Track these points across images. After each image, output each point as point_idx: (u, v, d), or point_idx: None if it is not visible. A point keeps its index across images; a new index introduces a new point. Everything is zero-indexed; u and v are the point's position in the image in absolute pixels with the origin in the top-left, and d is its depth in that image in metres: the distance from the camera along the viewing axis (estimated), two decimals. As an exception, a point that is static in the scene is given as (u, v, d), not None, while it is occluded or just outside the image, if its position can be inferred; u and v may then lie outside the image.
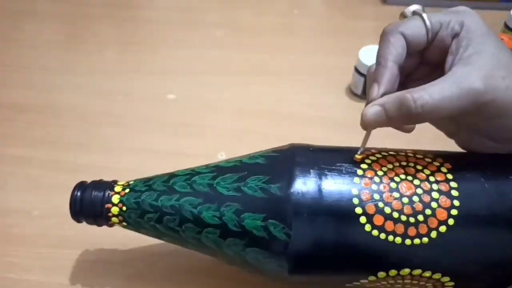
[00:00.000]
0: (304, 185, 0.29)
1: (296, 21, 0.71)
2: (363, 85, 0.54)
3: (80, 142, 0.50)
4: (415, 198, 0.29)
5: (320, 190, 0.29)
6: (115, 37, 0.67)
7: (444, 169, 0.30)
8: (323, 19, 0.71)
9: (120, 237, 0.41)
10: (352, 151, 0.32)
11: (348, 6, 0.73)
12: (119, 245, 0.41)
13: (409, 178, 0.30)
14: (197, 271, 0.39)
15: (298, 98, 0.56)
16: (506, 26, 0.62)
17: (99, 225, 0.34)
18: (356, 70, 0.54)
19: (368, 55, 0.53)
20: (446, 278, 0.30)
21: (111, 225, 0.34)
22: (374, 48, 0.54)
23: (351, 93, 0.57)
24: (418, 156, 0.32)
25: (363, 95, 0.55)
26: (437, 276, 0.30)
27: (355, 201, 0.29)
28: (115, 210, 0.33)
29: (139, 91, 0.57)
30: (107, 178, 0.47)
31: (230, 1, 0.74)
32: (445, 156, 0.32)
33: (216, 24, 0.69)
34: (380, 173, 0.30)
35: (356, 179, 0.30)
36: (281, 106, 0.55)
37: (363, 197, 0.29)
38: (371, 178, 0.30)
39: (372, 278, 0.31)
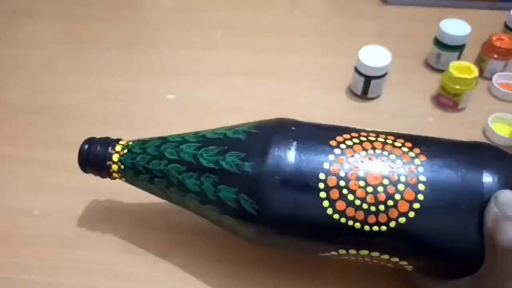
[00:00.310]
0: (275, 166, 0.31)
1: (296, 21, 0.71)
2: (363, 85, 0.54)
3: (80, 142, 0.50)
4: (380, 189, 0.30)
5: (289, 172, 0.31)
6: (115, 37, 0.67)
7: (417, 161, 0.31)
8: (323, 19, 0.71)
9: (119, 238, 0.42)
10: (336, 129, 0.34)
11: (348, 6, 0.73)
12: (119, 246, 0.41)
13: (379, 167, 0.31)
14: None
15: (298, 98, 0.56)
16: (506, 26, 0.62)
17: (103, 177, 0.37)
18: (356, 70, 0.54)
19: (368, 55, 0.53)
20: (404, 262, 0.32)
21: (113, 179, 0.37)
22: (374, 48, 0.54)
23: (351, 93, 0.57)
24: (396, 144, 0.32)
25: (363, 95, 0.55)
26: (395, 259, 0.32)
27: (321, 185, 0.30)
28: (115, 167, 0.36)
29: (139, 91, 0.57)
30: (108, 179, 0.47)
31: (230, 1, 0.74)
32: (425, 145, 0.32)
33: (216, 24, 0.69)
34: (351, 160, 0.31)
35: (326, 164, 0.31)
36: (281, 106, 0.55)
37: (329, 183, 0.30)
38: (341, 164, 0.31)
39: (334, 253, 0.33)
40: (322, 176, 0.31)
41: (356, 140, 0.32)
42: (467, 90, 0.52)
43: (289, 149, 0.32)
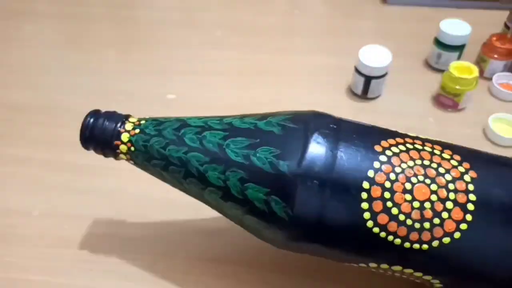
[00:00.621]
0: (314, 169, 0.28)
1: (296, 21, 0.71)
2: (363, 85, 0.54)
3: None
4: (427, 205, 0.28)
5: (329, 177, 0.28)
6: (115, 37, 0.67)
7: (467, 178, 0.29)
8: (323, 19, 0.71)
9: (119, 238, 0.42)
10: (380, 132, 0.31)
11: (348, 6, 0.73)
12: (119, 245, 0.41)
13: (427, 181, 0.28)
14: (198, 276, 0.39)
15: (298, 98, 0.56)
16: (506, 26, 0.62)
17: (106, 156, 0.33)
18: (356, 70, 0.54)
19: (368, 55, 0.53)
20: (436, 281, 0.30)
21: (118, 159, 0.33)
22: (374, 48, 0.54)
23: (351, 93, 0.57)
24: (444, 155, 0.30)
25: (363, 95, 0.55)
26: (427, 277, 0.30)
27: (364, 195, 0.28)
28: (123, 148, 0.32)
29: (139, 91, 0.57)
30: (108, 179, 0.47)
31: (230, 1, 0.74)
32: (474, 160, 0.30)
33: (216, 24, 0.69)
34: (398, 169, 0.28)
35: (371, 172, 0.28)
36: (281, 106, 0.55)
37: (373, 194, 0.28)
38: (387, 174, 0.28)
39: (363, 265, 0.31)
40: (365, 185, 0.28)
41: (402, 147, 0.30)
42: (467, 90, 0.52)
43: (331, 152, 0.29)
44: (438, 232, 0.28)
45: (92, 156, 0.49)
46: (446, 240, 0.28)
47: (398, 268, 0.30)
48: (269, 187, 0.29)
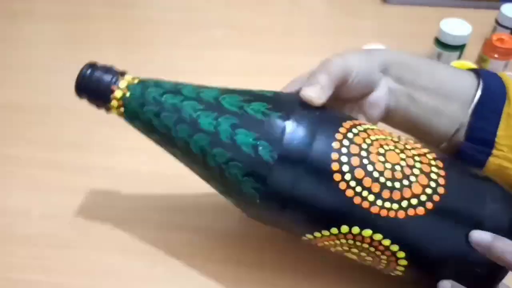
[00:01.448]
0: (301, 123, 0.31)
1: (296, 21, 0.71)
2: (363, 85, 0.54)
3: (80, 142, 0.50)
4: (397, 167, 0.31)
5: (314, 130, 0.31)
6: (115, 37, 0.67)
7: (431, 157, 0.33)
8: (323, 18, 0.71)
9: (119, 238, 0.41)
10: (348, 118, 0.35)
11: (348, 6, 0.73)
12: (119, 246, 0.41)
13: (397, 151, 0.32)
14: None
15: (298, 98, 0.56)
16: (497, 22, 0.62)
17: (99, 105, 0.34)
18: (356, 70, 0.54)
19: (368, 55, 0.53)
20: (402, 254, 0.32)
21: (108, 108, 0.34)
22: (374, 48, 0.54)
23: (351, 93, 0.57)
24: (410, 141, 0.34)
25: (363, 95, 0.55)
26: (394, 248, 0.31)
27: (344, 150, 0.31)
28: (118, 93, 0.33)
29: (139, 91, 0.57)
30: (108, 179, 0.47)
31: (230, 1, 0.74)
32: (440, 155, 0.34)
33: (216, 24, 0.69)
34: (373, 137, 0.32)
35: (350, 135, 0.32)
36: (281, 106, 0.55)
37: (352, 150, 0.31)
38: (364, 138, 0.32)
39: (334, 230, 0.32)
40: (346, 142, 0.31)
41: (373, 127, 0.34)
42: (468, 90, 0.52)
43: (316, 113, 0.32)
44: (407, 192, 0.30)
45: (93, 157, 0.49)
46: (413, 212, 0.30)
47: (368, 232, 0.31)
48: (259, 132, 0.31)
